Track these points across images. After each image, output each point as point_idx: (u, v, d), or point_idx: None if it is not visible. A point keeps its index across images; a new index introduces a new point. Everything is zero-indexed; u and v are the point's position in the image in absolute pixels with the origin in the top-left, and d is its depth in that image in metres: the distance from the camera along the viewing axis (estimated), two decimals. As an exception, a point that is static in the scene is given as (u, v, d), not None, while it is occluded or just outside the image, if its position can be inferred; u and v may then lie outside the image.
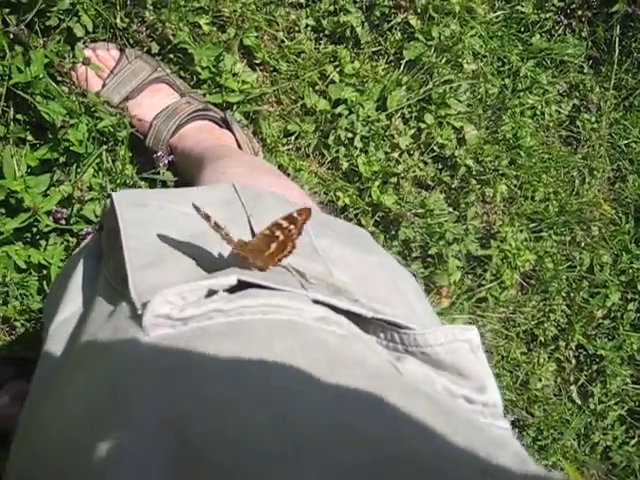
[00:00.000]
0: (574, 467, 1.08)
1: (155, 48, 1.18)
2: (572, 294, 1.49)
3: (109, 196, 0.60)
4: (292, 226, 0.56)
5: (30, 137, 1.09)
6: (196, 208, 0.55)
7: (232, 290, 0.47)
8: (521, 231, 1.41)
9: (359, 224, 1.27)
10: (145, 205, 0.59)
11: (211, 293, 0.46)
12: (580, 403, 1.53)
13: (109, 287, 0.55)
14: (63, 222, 1.03)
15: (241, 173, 0.89)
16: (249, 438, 0.35)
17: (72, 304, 0.59)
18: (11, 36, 1.02)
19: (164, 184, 1.12)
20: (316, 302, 0.48)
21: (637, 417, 1.58)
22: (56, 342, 0.57)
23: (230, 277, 0.47)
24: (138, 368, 0.41)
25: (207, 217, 0.55)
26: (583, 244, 1.50)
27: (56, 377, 0.50)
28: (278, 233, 0.57)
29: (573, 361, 1.53)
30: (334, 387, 0.39)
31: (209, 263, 0.55)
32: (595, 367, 1.54)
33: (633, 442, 1.58)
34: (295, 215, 0.57)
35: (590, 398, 1.53)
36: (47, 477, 0.41)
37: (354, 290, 0.55)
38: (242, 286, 0.48)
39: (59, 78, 1.09)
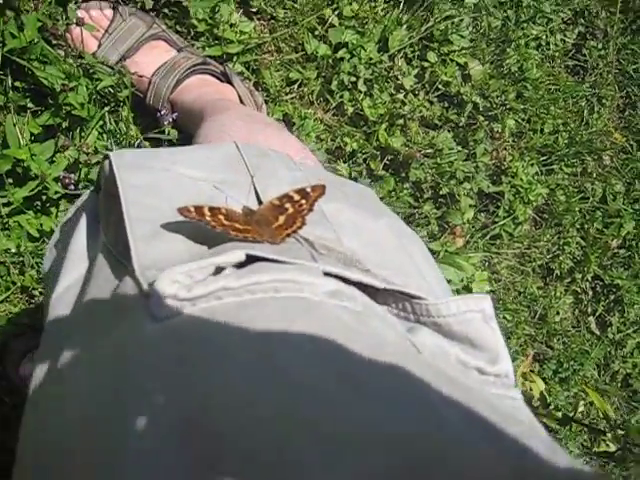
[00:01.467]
0: (596, 393, 1.09)
1: (149, 4, 1.15)
2: (586, 225, 1.48)
3: (106, 157, 0.56)
4: (303, 201, 0.54)
5: (31, 104, 1.07)
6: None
7: (241, 265, 0.45)
8: (532, 165, 1.39)
9: (369, 168, 1.26)
10: (147, 167, 0.56)
11: (219, 269, 0.44)
12: (599, 333, 1.54)
13: (109, 255, 0.53)
14: (72, 187, 1.02)
15: (240, 126, 0.87)
16: (270, 441, 0.33)
17: (75, 270, 0.57)
18: (1, 1, 1.00)
19: (170, 142, 1.11)
20: (327, 274, 0.47)
21: (656, 343, 1.59)
22: (59, 312, 0.55)
23: (238, 252, 0.45)
24: (148, 363, 0.39)
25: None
26: (595, 174, 1.48)
27: (60, 357, 0.49)
28: (288, 205, 0.54)
29: (590, 292, 1.54)
30: (356, 378, 0.37)
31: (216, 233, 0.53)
32: (612, 297, 1.54)
33: (653, 368, 1.59)
34: (308, 190, 0.55)
35: (608, 328, 1.54)
36: (56, 461, 0.40)
37: (364, 257, 0.53)
38: (251, 259, 0.46)
39: (54, 41, 1.07)
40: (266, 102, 1.21)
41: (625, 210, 1.50)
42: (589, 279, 1.52)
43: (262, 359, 0.37)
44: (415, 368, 0.39)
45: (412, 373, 0.39)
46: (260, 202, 0.59)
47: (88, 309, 0.50)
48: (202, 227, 0.50)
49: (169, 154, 0.60)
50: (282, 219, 0.54)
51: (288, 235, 0.53)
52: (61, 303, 0.56)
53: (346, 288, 0.46)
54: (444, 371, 0.45)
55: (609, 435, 0.92)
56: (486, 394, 0.47)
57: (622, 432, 0.88)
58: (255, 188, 0.60)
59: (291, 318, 0.40)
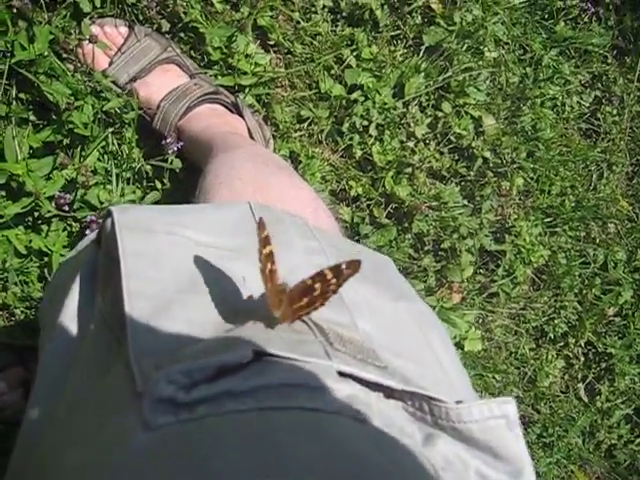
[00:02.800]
0: (583, 473, 1.05)
1: (165, 26, 1.13)
2: (584, 291, 1.46)
3: (109, 213, 0.53)
4: (334, 280, 0.49)
5: (33, 117, 1.04)
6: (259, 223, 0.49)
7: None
8: (536, 226, 1.37)
9: (371, 215, 1.23)
10: (151, 230, 0.53)
11: (225, 368, 0.40)
12: (587, 401, 1.51)
13: (104, 326, 0.49)
14: (66, 208, 0.99)
15: (250, 169, 0.83)
16: None
17: (64, 332, 0.53)
18: (15, 10, 0.97)
19: (172, 172, 1.08)
20: (340, 373, 0.43)
21: (643, 416, 1.56)
22: (46, 374, 0.52)
23: (244, 351, 0.41)
24: (134, 475, 0.35)
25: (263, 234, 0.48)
26: (598, 240, 1.46)
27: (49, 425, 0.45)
28: (317, 286, 0.49)
29: (582, 358, 1.51)
30: None
31: (226, 307, 0.49)
32: (604, 365, 1.51)
33: (638, 441, 1.56)
34: (342, 267, 0.49)
35: (597, 396, 1.51)
36: None
37: (379, 343, 0.50)
38: (259, 353, 0.42)
39: (64, 55, 1.04)
40: (274, 137, 1.18)
41: (625, 279, 1.47)
42: (582, 345, 1.50)
43: None
44: None
45: None
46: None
47: (79, 386, 0.46)
48: (208, 306, 0.47)
49: (177, 214, 0.56)
50: (305, 301, 0.49)
51: (300, 316, 0.49)
52: (51, 360, 0.52)
53: (361, 392, 0.42)
54: None
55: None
56: None
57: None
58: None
59: (298, 441, 0.36)
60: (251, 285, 0.52)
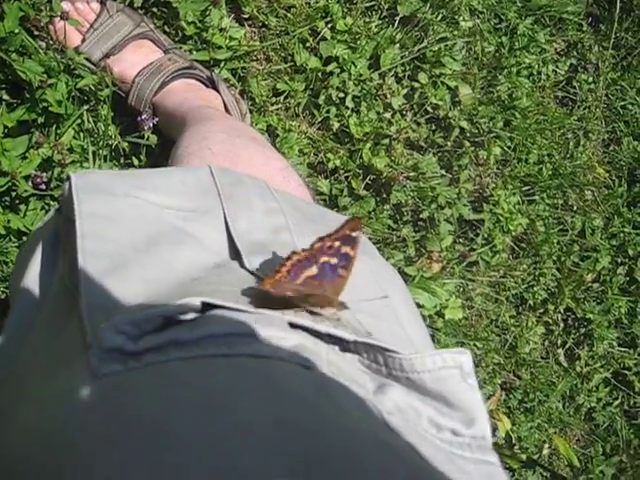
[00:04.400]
0: (562, 439, 1.08)
1: (138, 1, 1.12)
2: (563, 258, 1.48)
3: (68, 178, 0.53)
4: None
5: (6, 96, 1.03)
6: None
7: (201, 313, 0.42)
8: (514, 194, 1.38)
9: (350, 187, 1.24)
10: (109, 193, 0.53)
11: (172, 319, 0.41)
12: (567, 366, 1.54)
13: (64, 289, 0.50)
14: (43, 187, 0.99)
15: (222, 140, 0.83)
16: None
17: (26, 297, 0.54)
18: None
19: (149, 148, 1.07)
20: (293, 324, 0.44)
21: (621, 379, 1.59)
22: (10, 342, 0.52)
23: (192, 300, 0.41)
24: (81, 427, 0.35)
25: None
26: (575, 207, 1.48)
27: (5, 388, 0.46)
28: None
29: (561, 324, 1.53)
30: (308, 465, 0.33)
31: (182, 266, 0.49)
32: (583, 330, 1.54)
33: (616, 403, 1.60)
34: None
35: (577, 361, 1.54)
36: None
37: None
38: (211, 308, 0.43)
39: (36, 33, 1.03)
40: (250, 111, 1.18)
41: (602, 245, 1.49)
42: (561, 311, 1.52)
43: (201, 440, 0.33)
44: (374, 449, 0.37)
45: (371, 455, 0.36)
46: (229, 232, 0.56)
47: (35, 347, 0.47)
48: (165, 265, 0.47)
49: (137, 178, 0.56)
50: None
51: (274, 281, 0.49)
52: (15, 326, 0.53)
53: (310, 342, 0.43)
54: (413, 436, 0.42)
55: (571, 483, 0.91)
56: (457, 462, 0.45)
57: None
58: (226, 218, 0.57)
59: (242, 390, 0.37)
60: (210, 245, 0.53)
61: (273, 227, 0.56)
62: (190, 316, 0.42)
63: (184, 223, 0.53)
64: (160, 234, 0.50)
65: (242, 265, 0.53)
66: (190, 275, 0.49)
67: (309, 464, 0.33)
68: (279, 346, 0.41)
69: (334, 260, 0.50)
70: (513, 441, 1.07)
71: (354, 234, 0.50)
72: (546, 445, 1.23)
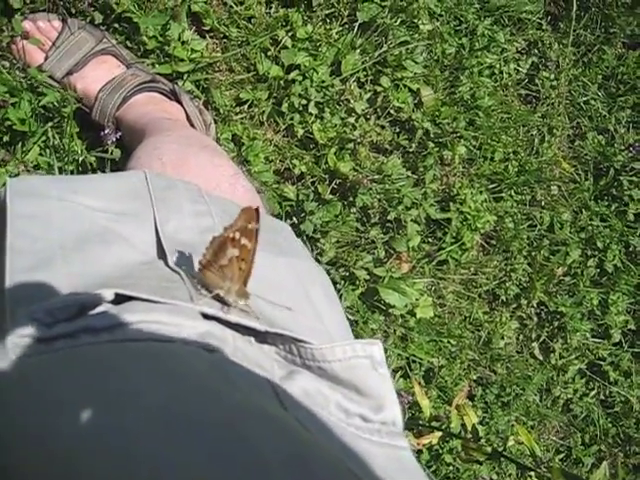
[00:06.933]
0: (525, 430, 1.10)
1: (99, 18, 1.13)
2: (533, 253, 1.50)
3: (4, 183, 0.56)
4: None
5: (-29, 116, 1.05)
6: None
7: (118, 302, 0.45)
8: (481, 192, 1.40)
9: (316, 192, 1.26)
10: (43, 196, 0.55)
11: (87, 308, 0.44)
12: (542, 359, 1.56)
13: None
14: (9, 204, 1.01)
15: (174, 150, 0.86)
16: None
17: None
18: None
19: (113, 162, 1.09)
20: (205, 315, 0.47)
21: (596, 370, 1.62)
22: None
23: (105, 291, 0.44)
24: None
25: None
26: (543, 203, 1.50)
27: None
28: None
29: (535, 318, 1.56)
30: (191, 448, 0.35)
31: (107, 263, 0.52)
32: (556, 323, 1.56)
33: (592, 394, 1.62)
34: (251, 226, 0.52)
35: (551, 354, 1.57)
36: None
37: (255, 293, 0.53)
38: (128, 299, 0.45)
39: (-2, 53, 1.05)
40: (215, 122, 1.20)
41: (571, 239, 1.52)
42: (534, 305, 1.54)
43: (92, 404, 0.36)
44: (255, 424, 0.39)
45: (254, 426, 0.38)
46: (158, 235, 0.59)
47: None
48: (92, 261, 0.50)
49: (72, 182, 0.59)
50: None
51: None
52: None
53: (218, 330, 0.46)
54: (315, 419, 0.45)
55: (533, 473, 0.93)
56: (362, 445, 0.47)
57: (545, 471, 0.90)
58: (156, 222, 0.60)
59: (139, 367, 0.39)
60: (138, 245, 0.56)
61: (201, 228, 0.59)
62: (105, 307, 0.44)
63: (114, 224, 0.56)
64: (90, 234, 0.52)
65: (167, 264, 0.56)
66: (116, 272, 0.51)
67: (191, 430, 0.35)
68: (187, 333, 0.44)
69: (236, 252, 0.52)
70: (480, 434, 1.09)
71: (250, 226, 0.51)
72: (511, 437, 1.26)
